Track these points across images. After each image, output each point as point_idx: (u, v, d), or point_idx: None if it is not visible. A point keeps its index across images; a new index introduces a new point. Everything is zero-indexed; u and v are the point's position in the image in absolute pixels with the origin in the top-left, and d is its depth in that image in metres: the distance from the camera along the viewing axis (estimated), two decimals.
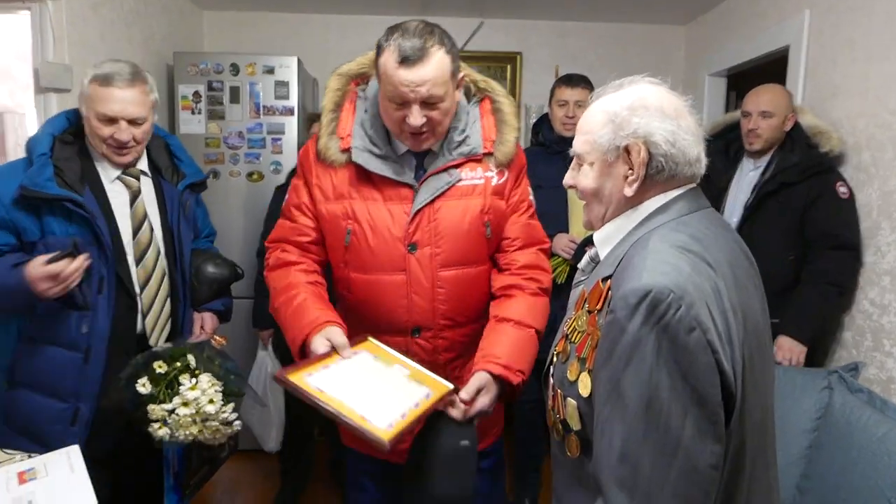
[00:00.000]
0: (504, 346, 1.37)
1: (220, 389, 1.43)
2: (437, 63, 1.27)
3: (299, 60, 2.92)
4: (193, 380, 1.41)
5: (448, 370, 1.48)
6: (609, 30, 3.58)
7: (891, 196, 2.00)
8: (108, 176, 1.64)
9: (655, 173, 0.94)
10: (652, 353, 0.79)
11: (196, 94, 2.87)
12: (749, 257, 0.99)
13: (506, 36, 3.56)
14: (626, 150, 0.94)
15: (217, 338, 1.67)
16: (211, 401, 1.40)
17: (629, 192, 0.95)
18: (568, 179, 1.06)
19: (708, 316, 0.81)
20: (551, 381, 1.01)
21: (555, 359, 1.01)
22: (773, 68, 2.76)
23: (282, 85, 2.88)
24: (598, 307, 0.90)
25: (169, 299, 1.71)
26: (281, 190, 2.62)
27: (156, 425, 1.40)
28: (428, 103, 1.30)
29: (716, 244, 0.91)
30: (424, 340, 1.45)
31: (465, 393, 1.31)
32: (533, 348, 1.41)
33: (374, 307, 1.44)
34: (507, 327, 1.41)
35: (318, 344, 1.30)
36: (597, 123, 0.97)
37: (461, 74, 1.38)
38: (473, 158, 1.43)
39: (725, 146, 2.50)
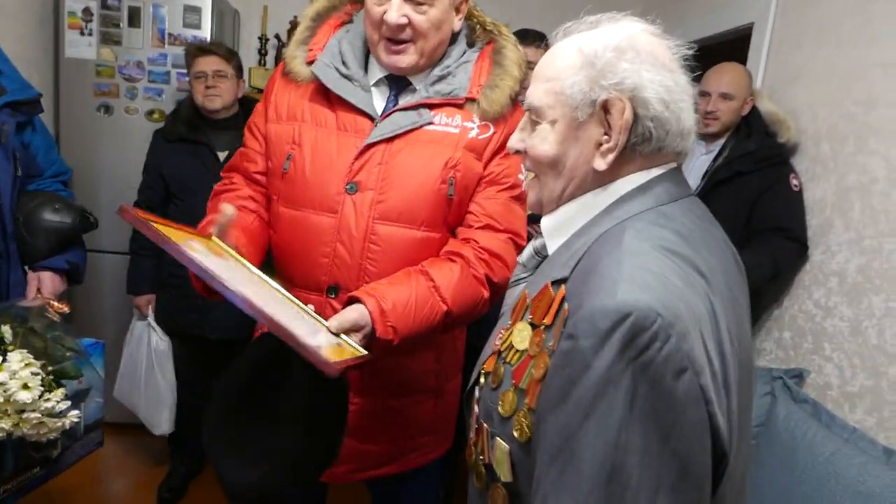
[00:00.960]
0: (399, 292, 1.10)
1: (39, 371, 1.12)
2: None
3: None
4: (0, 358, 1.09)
5: None
6: None
7: (847, 193, 1.88)
8: None
9: (639, 142, 0.71)
10: (623, 403, 0.56)
11: (86, 10, 2.42)
12: (739, 262, 0.78)
13: None
14: (605, 106, 0.70)
15: (55, 304, 1.34)
16: (25, 386, 1.09)
17: (601, 164, 0.72)
18: (515, 142, 0.80)
19: (702, 350, 0.59)
20: (476, 408, 0.77)
21: (482, 380, 0.77)
22: (729, 48, 2.61)
23: (192, 11, 2.48)
24: (548, 321, 0.67)
25: None
26: (160, 135, 2.26)
27: None
28: (413, 1, 1.12)
29: (705, 245, 0.70)
30: (340, 304, 1.17)
31: (335, 322, 1.04)
32: (429, 322, 1.13)
33: (293, 252, 1.23)
34: (421, 280, 1.14)
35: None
36: (567, 66, 0.72)
37: None
38: (454, 102, 1.21)
39: None
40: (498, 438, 0.70)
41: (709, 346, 0.60)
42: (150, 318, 2.30)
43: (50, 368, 1.15)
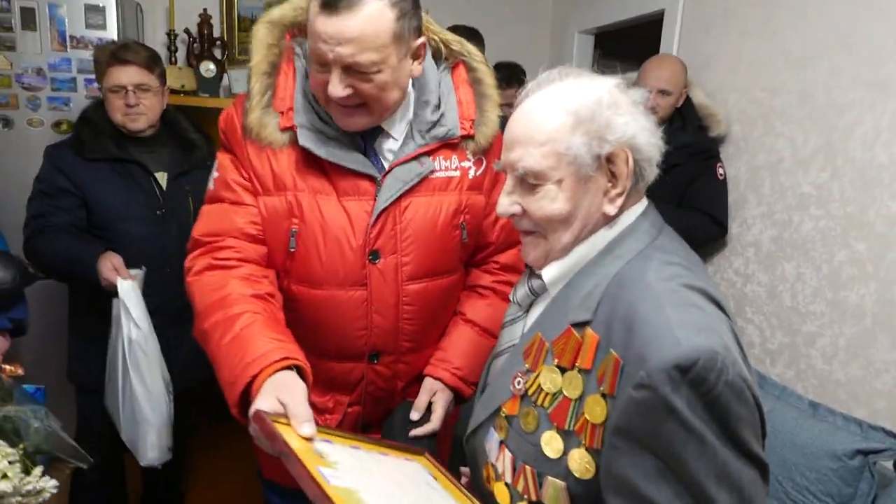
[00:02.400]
0: (463, 354, 1.22)
1: (17, 458, 1.03)
2: (369, 16, 0.95)
3: None
4: None
5: (405, 395, 1.27)
6: None
7: (758, 171, 2.09)
8: None
9: (637, 182, 0.80)
10: (708, 431, 0.66)
11: None
12: None
13: None
14: (609, 159, 0.77)
15: (7, 367, 1.23)
16: (4, 476, 1.00)
17: (612, 209, 0.80)
18: (507, 207, 0.84)
19: (743, 365, 0.70)
20: (506, 452, 0.82)
21: (505, 423, 0.83)
22: (643, 31, 2.76)
23: (95, 11, 2.29)
24: (584, 366, 0.74)
25: None
26: (67, 150, 1.82)
27: None
28: (355, 70, 0.99)
29: (701, 270, 0.80)
30: (384, 367, 1.21)
31: (415, 413, 1.18)
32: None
33: (325, 329, 1.16)
34: (470, 332, 1.25)
35: (266, 400, 0.89)
36: (559, 128, 0.78)
37: (420, 40, 1.06)
38: (448, 143, 1.15)
39: None
40: (549, 477, 0.76)
41: (744, 360, 0.71)
42: (127, 287, 1.64)
43: (23, 449, 1.08)
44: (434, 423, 1.18)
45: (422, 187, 1.13)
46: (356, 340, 1.17)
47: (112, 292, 1.66)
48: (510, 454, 0.82)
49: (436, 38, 1.20)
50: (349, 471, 0.83)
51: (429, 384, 1.21)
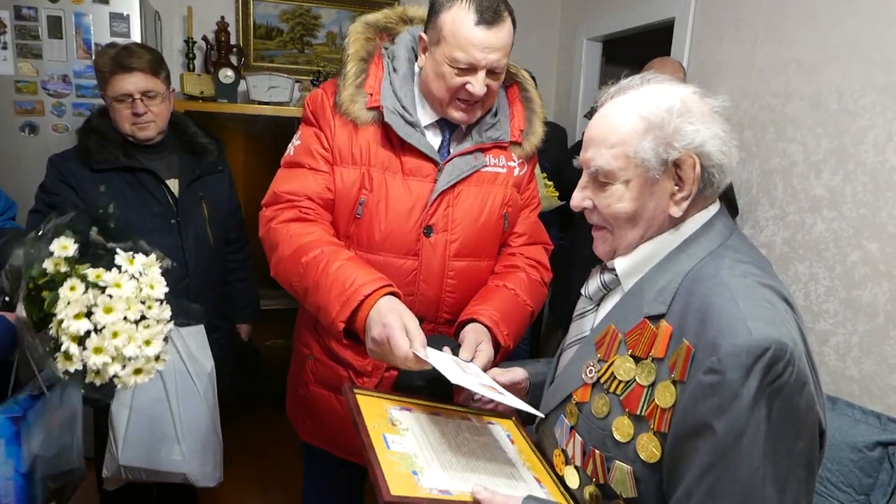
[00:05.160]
0: (498, 305, 1.28)
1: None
2: (509, 30, 1.20)
3: None
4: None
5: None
6: None
7: (770, 175, 2.15)
8: None
9: (704, 188, 0.83)
10: (766, 420, 0.69)
11: None
12: None
13: None
14: (676, 164, 0.81)
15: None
16: (151, 286, 0.99)
17: (677, 212, 0.83)
18: (581, 201, 0.89)
19: (806, 363, 0.73)
20: (576, 437, 0.87)
21: (576, 409, 0.87)
22: (650, 37, 2.82)
23: (120, 19, 2.33)
24: (657, 354, 0.78)
25: None
26: (72, 162, 1.75)
27: (76, 354, 0.92)
28: (493, 71, 1.21)
29: (773, 272, 0.83)
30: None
31: (465, 352, 1.14)
32: (525, 323, 1.33)
33: None
34: (505, 291, 1.32)
35: (392, 316, 1.02)
36: (632, 132, 0.82)
37: None
38: (500, 145, 1.34)
39: None
40: (617, 461, 0.80)
41: (808, 358, 0.74)
42: (193, 329, 1.58)
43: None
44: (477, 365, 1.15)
45: (473, 178, 1.30)
46: None
47: None
48: (580, 439, 0.86)
49: None
50: (417, 437, 0.88)
51: (472, 330, 1.20)
